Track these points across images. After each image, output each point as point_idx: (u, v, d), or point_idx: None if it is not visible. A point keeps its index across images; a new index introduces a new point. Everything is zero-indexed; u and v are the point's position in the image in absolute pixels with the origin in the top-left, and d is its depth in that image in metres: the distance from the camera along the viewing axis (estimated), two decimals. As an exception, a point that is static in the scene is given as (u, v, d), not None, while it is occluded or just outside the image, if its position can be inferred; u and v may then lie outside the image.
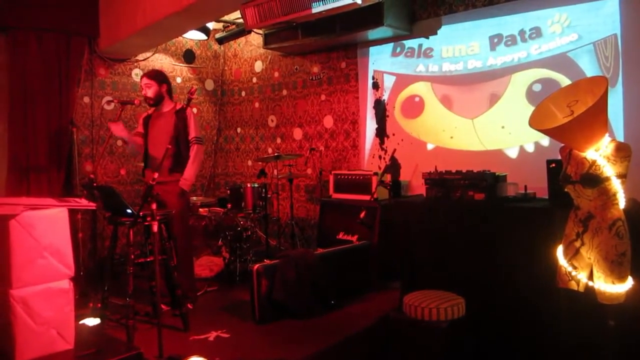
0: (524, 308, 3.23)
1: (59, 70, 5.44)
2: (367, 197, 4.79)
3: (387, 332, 3.46)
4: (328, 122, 5.97)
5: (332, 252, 4.34)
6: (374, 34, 5.13)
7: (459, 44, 4.81)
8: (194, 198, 6.01)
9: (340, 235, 5.00)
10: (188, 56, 6.93)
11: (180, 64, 6.86)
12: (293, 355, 3.22)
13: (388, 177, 4.47)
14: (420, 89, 5.11)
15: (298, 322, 3.79)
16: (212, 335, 3.58)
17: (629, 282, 2.59)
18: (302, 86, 6.25)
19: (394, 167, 4.59)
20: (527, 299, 3.21)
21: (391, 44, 5.33)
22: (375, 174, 4.96)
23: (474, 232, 3.48)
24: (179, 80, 6.78)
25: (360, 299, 4.28)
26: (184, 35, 6.52)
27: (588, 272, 2.69)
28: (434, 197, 3.76)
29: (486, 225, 3.43)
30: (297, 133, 6.30)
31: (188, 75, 6.95)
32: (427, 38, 5.03)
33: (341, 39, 5.38)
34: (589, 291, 2.66)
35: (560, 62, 4.20)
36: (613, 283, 2.56)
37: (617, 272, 2.56)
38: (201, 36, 6.69)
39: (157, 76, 4.27)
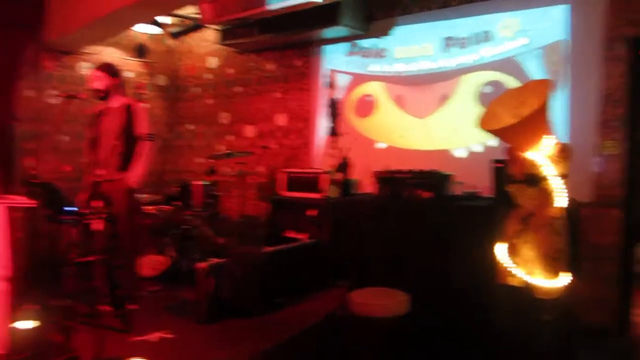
0: (468, 303, 3.28)
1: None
2: (318, 195, 4.77)
3: (334, 330, 3.45)
4: (282, 119, 5.93)
5: (281, 250, 4.29)
6: (329, 32, 5.13)
7: (412, 45, 4.86)
8: (142, 196, 5.85)
9: (291, 234, 4.97)
10: (140, 51, 6.76)
11: (132, 59, 6.68)
12: (240, 354, 3.16)
13: (340, 176, 4.47)
14: (373, 88, 5.14)
15: (245, 321, 3.72)
16: (155, 336, 3.47)
17: (564, 278, 2.66)
18: (256, 83, 6.19)
19: (345, 165, 4.60)
20: (470, 294, 3.26)
21: (346, 44, 5.34)
22: (327, 172, 4.95)
23: (422, 230, 3.51)
24: (130, 75, 6.60)
25: (309, 297, 4.25)
26: (136, 29, 6.35)
27: (527, 268, 2.75)
28: (384, 195, 3.78)
29: (433, 223, 3.47)
30: (250, 130, 6.23)
31: (140, 70, 6.78)
32: (382, 38, 5.06)
33: (297, 37, 5.37)
34: (528, 286, 2.72)
35: (510, 65, 4.31)
36: (550, 278, 2.63)
37: (553, 268, 2.62)
38: (154, 30, 6.53)
39: (109, 69, 4.12)
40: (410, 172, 3.67)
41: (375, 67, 5.12)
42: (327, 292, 4.39)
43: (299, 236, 4.89)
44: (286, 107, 5.90)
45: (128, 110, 3.98)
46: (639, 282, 4.49)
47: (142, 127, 4.04)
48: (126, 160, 3.97)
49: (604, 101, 3.98)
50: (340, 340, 3.37)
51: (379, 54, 5.09)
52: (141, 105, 3.90)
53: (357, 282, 3.69)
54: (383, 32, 5.05)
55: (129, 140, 3.98)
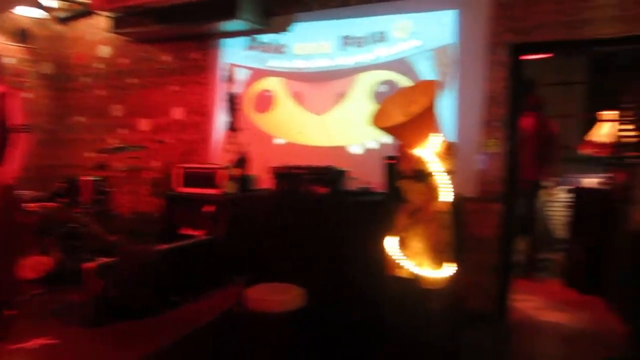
0: (361, 296, 3.37)
1: None
2: (215, 191, 4.68)
3: (230, 327, 3.41)
4: (178, 113, 5.75)
5: (175, 247, 4.14)
6: (228, 26, 5.05)
7: (311, 42, 4.90)
8: (22, 192, 5.41)
9: (187, 230, 4.83)
10: (23, 35, 6.24)
11: (14, 44, 6.15)
12: (129, 356, 3.02)
13: (238, 171, 4.41)
14: (272, 84, 5.13)
15: (137, 322, 3.56)
16: (35, 343, 3.23)
17: (449, 269, 2.82)
18: (152, 75, 5.94)
19: (244, 161, 4.55)
20: (364, 287, 3.35)
21: (246, 38, 5.28)
22: (225, 167, 4.87)
23: (318, 225, 3.56)
24: (10, 60, 6.06)
25: (205, 295, 4.15)
26: (19, 12, 5.85)
27: (415, 260, 2.87)
28: (281, 191, 3.79)
29: (329, 218, 3.53)
30: (145, 124, 5.98)
31: (22, 56, 6.26)
32: (282, 34, 5.06)
33: (195, 29, 5.22)
34: (416, 277, 2.85)
35: (402, 65, 4.48)
36: (436, 269, 2.77)
37: (439, 259, 2.77)
38: (39, 14, 6.06)
39: None
40: (306, 168, 3.70)
41: (274, 62, 5.11)
42: (224, 289, 4.32)
43: (195, 233, 4.76)
44: (183, 101, 5.72)
45: (2, 99, 3.66)
46: (516, 271, 4.86)
47: (17, 117, 3.71)
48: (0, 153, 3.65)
49: (487, 102, 4.26)
50: (237, 337, 3.33)
51: (278, 49, 5.09)
52: (17, 93, 3.58)
53: (253, 278, 3.67)
54: (283, 28, 5.05)
55: (3, 131, 3.65)
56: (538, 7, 4.08)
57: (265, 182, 4.88)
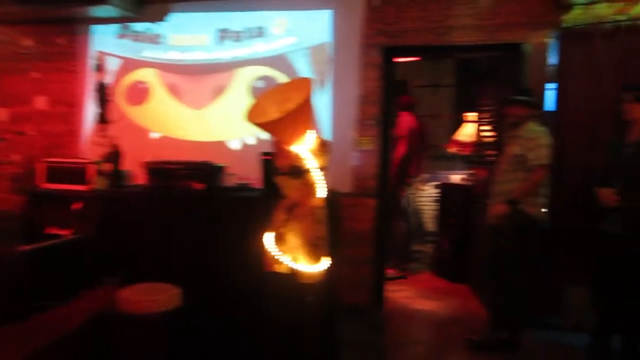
0: (240, 293, 3.35)
1: None
2: (84, 188, 4.39)
3: (101, 330, 3.23)
4: (41, 103, 5.30)
5: (40, 248, 3.85)
6: (98, 11, 4.74)
7: (188, 34, 4.76)
8: None
9: (53, 230, 4.48)
10: None
11: None
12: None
13: (109, 166, 4.17)
14: (147, 75, 4.91)
15: (-2, 330, 3.26)
16: None
17: (325, 263, 2.89)
18: (9, 60, 5.41)
19: (116, 155, 4.30)
20: (242, 284, 3.33)
21: (117, 25, 4.99)
22: (95, 162, 4.58)
23: (195, 222, 3.48)
24: None
25: (75, 297, 3.88)
26: None
27: (292, 255, 2.91)
28: (155, 187, 3.65)
29: (206, 215, 3.46)
30: (2, 113, 5.44)
31: None
32: (157, 24, 4.85)
33: (60, 12, 4.83)
34: (293, 272, 2.89)
35: (280, 62, 4.51)
36: (312, 264, 2.82)
37: (315, 254, 2.82)
38: None
39: None
40: (181, 163, 3.60)
41: (148, 53, 4.89)
42: (95, 291, 4.08)
43: (63, 232, 4.44)
44: (47, 89, 5.28)
45: None
46: (389, 263, 5.10)
47: None
48: None
49: (361, 101, 4.43)
50: (109, 340, 3.16)
51: (153, 39, 4.88)
52: None
53: (127, 279, 3.51)
54: (158, 17, 4.85)
55: None
56: (407, 13, 4.31)
57: (140, 177, 4.68)
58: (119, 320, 3.07)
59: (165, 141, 4.82)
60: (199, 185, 3.51)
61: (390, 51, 4.44)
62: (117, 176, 4.23)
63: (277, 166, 2.89)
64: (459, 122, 6.08)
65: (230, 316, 3.40)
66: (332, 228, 3.11)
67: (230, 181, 3.68)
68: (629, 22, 3.83)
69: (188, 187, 3.53)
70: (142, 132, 4.91)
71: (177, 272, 3.37)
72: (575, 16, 4.00)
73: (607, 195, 3.27)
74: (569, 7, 4.02)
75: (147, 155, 4.44)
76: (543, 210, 3.77)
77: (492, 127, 4.83)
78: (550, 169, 3.67)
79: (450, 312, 4.62)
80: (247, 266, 3.25)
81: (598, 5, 3.91)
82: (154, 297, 3.02)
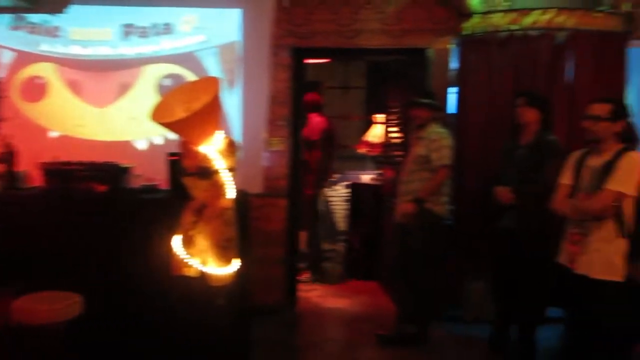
0: (147, 299, 3.24)
1: None
2: (-27, 191, 4.06)
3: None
4: None
5: None
6: (-13, 0, 4.39)
7: (90, 28, 4.53)
8: None
9: None
10: None
11: None
12: None
13: (2, 167, 3.88)
14: (44, 69, 4.60)
15: None
16: None
17: (235, 264, 2.86)
18: None
19: (9, 155, 4.01)
20: (149, 289, 3.23)
21: (10, 15, 4.64)
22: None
23: (98, 226, 3.32)
24: None
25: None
26: None
27: (202, 258, 2.86)
28: (54, 189, 3.44)
29: (110, 218, 3.32)
30: None
31: None
32: (56, 15, 4.56)
33: (-59, -1, 4.42)
34: (203, 275, 2.84)
35: (189, 60, 4.41)
36: (222, 266, 2.79)
37: (225, 256, 2.80)
38: None
39: None
40: (82, 164, 3.42)
41: (46, 46, 4.59)
42: (-13, 302, 3.80)
43: (-53, 240, 4.08)
44: None
45: None
46: (302, 263, 5.14)
47: None
48: None
49: (272, 102, 4.43)
50: (4, 354, 2.97)
51: (51, 32, 4.58)
52: None
53: (23, 288, 3.28)
54: (56, 8, 4.52)
55: None
56: (316, 15, 4.37)
57: (37, 179, 4.40)
58: (15, 332, 2.90)
59: (65, 141, 4.54)
60: (101, 187, 3.35)
61: (301, 52, 4.48)
62: (11, 178, 3.93)
63: (184, 167, 2.83)
64: (369, 123, 6.24)
65: (137, 323, 3.28)
66: (242, 229, 3.09)
67: (136, 183, 3.54)
68: (521, 32, 4.11)
69: (90, 189, 3.37)
70: (39, 130, 4.60)
71: (79, 279, 3.21)
72: (474, 24, 4.24)
73: (504, 193, 3.49)
74: (468, 16, 4.25)
75: (45, 155, 4.18)
76: (447, 208, 3.97)
77: (399, 128, 5.00)
78: (452, 169, 3.87)
79: (361, 310, 4.73)
80: (155, 270, 3.16)
81: (494, 15, 4.16)
82: (52, 306, 2.87)
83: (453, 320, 4.18)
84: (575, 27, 4.08)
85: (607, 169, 2.80)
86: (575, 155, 3.07)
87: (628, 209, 2.80)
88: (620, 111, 2.89)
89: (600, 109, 2.89)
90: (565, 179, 3.04)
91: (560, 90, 4.09)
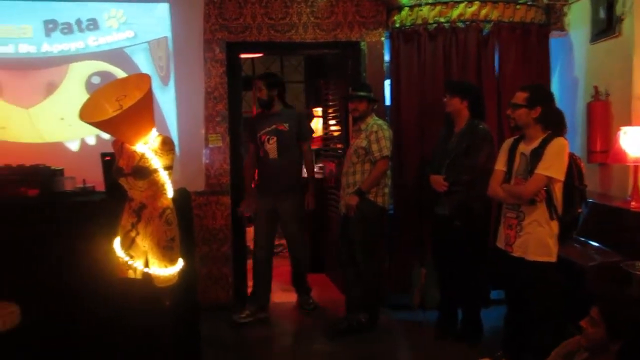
0: (86, 304, 3.12)
1: None
2: None
3: None
4: None
5: None
6: None
7: (8, 24, 4.26)
8: None
9: None
10: None
11: None
12: None
13: None
14: (-39, 70, 4.31)
15: None
16: None
17: (180, 264, 2.82)
18: None
19: None
20: (90, 294, 3.11)
21: None
22: None
23: (29, 232, 3.16)
24: None
25: None
26: None
27: (144, 260, 2.80)
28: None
29: (42, 224, 3.17)
30: None
31: None
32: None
33: None
34: (146, 277, 2.77)
35: (118, 56, 4.26)
36: (166, 266, 2.74)
37: (168, 256, 2.75)
38: None
39: None
40: (8, 168, 3.25)
41: (-38, 43, 4.30)
42: None
43: None
44: None
45: None
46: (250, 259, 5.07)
47: None
48: None
49: (207, 98, 4.36)
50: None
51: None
52: None
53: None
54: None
55: None
56: (247, 8, 4.32)
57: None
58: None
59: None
60: (32, 191, 3.20)
61: (234, 47, 4.42)
62: None
63: (119, 167, 2.74)
64: (309, 117, 6.25)
65: (78, 330, 3.16)
66: (185, 228, 3.04)
67: (69, 185, 3.40)
68: (448, 24, 4.23)
69: (20, 194, 3.20)
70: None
71: (16, 288, 3.07)
72: (403, 17, 4.32)
73: (438, 181, 3.60)
74: (398, 9, 4.33)
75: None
76: (389, 198, 4.05)
77: (338, 121, 5.04)
78: (391, 159, 3.95)
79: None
80: (95, 275, 3.05)
81: (422, 8, 4.25)
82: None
83: (401, 307, 4.27)
84: (499, 19, 4.24)
85: (537, 154, 2.95)
86: (509, 142, 3.21)
87: (558, 192, 2.95)
88: (537, 97, 3.02)
89: (518, 96, 3.04)
90: (500, 164, 3.18)
91: (488, 80, 4.25)
